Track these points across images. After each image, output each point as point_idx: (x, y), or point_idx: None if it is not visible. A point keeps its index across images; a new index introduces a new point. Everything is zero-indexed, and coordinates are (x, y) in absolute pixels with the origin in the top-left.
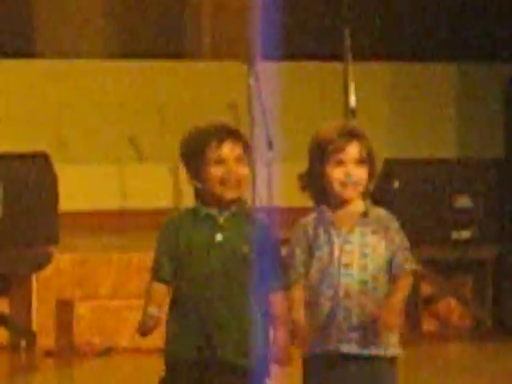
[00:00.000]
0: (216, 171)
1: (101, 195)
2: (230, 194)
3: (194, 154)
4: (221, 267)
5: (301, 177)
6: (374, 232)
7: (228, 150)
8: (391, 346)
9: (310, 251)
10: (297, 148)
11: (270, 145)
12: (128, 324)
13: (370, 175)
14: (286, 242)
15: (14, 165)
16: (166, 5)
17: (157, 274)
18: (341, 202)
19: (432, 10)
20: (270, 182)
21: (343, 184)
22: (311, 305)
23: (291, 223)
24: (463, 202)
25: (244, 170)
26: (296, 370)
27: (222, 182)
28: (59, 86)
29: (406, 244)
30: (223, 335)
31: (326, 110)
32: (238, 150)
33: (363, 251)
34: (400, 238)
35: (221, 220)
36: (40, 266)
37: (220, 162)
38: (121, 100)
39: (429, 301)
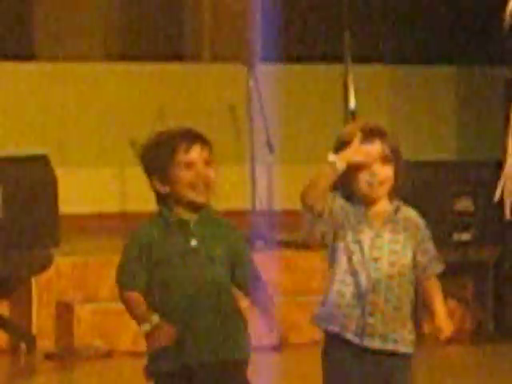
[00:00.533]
0: (185, 175)
1: (101, 198)
2: (201, 199)
3: (161, 157)
4: (198, 273)
5: (335, 191)
6: (404, 229)
7: (197, 153)
8: (409, 343)
9: (344, 218)
10: (297, 150)
11: (270, 147)
12: (128, 327)
13: (396, 173)
14: (287, 244)
15: (14, 167)
16: (165, 7)
17: (132, 283)
18: (370, 202)
19: (432, 12)
20: (270, 185)
21: (370, 184)
22: (338, 293)
23: (291, 226)
24: (464, 204)
25: (212, 173)
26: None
27: (192, 185)
28: (59, 89)
29: (433, 248)
30: (207, 339)
31: (326, 112)
32: (206, 154)
33: (393, 248)
34: (428, 238)
35: (192, 225)
36: (40, 268)
37: (189, 165)
38: (121, 102)
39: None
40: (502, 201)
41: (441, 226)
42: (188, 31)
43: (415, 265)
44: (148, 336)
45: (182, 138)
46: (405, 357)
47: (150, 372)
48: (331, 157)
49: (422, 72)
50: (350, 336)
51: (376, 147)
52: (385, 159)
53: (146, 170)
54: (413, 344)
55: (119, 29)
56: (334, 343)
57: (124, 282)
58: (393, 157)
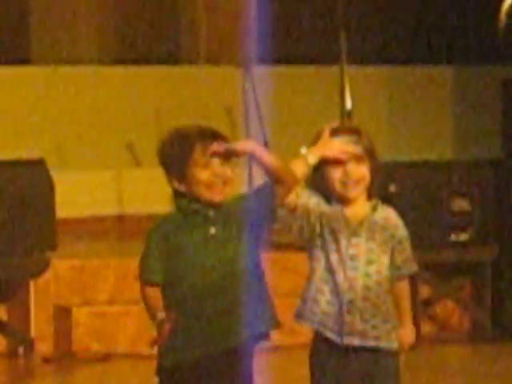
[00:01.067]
0: (202, 175)
1: (98, 201)
2: (217, 198)
3: (178, 156)
4: (217, 260)
5: (307, 180)
6: (382, 229)
7: None
8: (392, 339)
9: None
10: (293, 151)
11: (266, 148)
12: (126, 330)
13: (373, 171)
14: (282, 246)
15: (11, 171)
16: (161, 10)
17: (150, 279)
18: (346, 202)
19: (428, 13)
20: None
21: (344, 183)
22: (317, 290)
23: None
24: (461, 204)
25: (229, 171)
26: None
27: (208, 185)
28: (56, 93)
29: (409, 248)
30: (219, 326)
31: (322, 113)
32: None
33: (370, 246)
34: (405, 238)
35: (211, 214)
36: (38, 272)
37: (205, 165)
38: (117, 106)
39: (427, 303)
40: (499, 201)
41: (438, 226)
42: (184, 34)
43: (391, 263)
44: (157, 332)
45: (199, 137)
46: (389, 352)
47: (157, 370)
48: (303, 150)
49: (419, 72)
50: (329, 334)
51: (349, 147)
52: (359, 158)
53: (164, 167)
54: (396, 340)
55: (115, 32)
56: (317, 341)
57: (143, 278)
58: (368, 156)
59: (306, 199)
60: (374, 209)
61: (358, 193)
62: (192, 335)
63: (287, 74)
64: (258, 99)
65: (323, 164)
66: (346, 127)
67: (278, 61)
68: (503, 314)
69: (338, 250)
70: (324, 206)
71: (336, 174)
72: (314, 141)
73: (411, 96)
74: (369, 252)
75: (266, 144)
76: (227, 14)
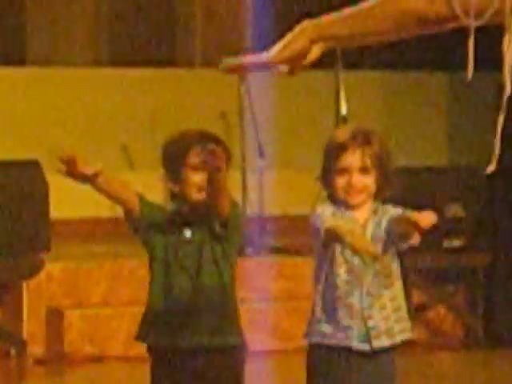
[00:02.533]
0: (196, 177)
1: (92, 203)
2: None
3: (175, 158)
4: (189, 266)
5: (318, 179)
6: (377, 224)
7: None
8: (396, 334)
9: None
10: (288, 156)
11: (262, 153)
12: (119, 332)
13: (380, 182)
14: (278, 250)
15: (5, 172)
16: (157, 13)
17: (142, 197)
18: (349, 207)
19: None
20: (261, 190)
21: (346, 192)
22: (328, 296)
23: (283, 231)
24: (454, 210)
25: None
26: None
27: (200, 188)
28: (50, 94)
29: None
30: (198, 324)
31: (317, 118)
32: None
33: (376, 248)
34: (395, 209)
35: (192, 217)
36: (31, 273)
37: (201, 168)
38: (112, 108)
39: (420, 309)
40: (492, 207)
41: (431, 232)
42: (180, 37)
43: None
44: None
45: (198, 140)
46: (389, 349)
47: (139, 336)
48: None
49: (413, 78)
50: (356, 344)
51: (355, 157)
52: (364, 169)
53: (163, 168)
54: (403, 331)
55: (110, 34)
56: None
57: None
58: (376, 164)
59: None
60: (375, 212)
61: (360, 200)
62: (163, 319)
63: (282, 78)
64: (253, 103)
65: (330, 170)
66: (358, 135)
67: None
68: (496, 320)
69: (351, 257)
70: (337, 214)
71: (340, 182)
72: (330, 151)
73: (406, 102)
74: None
75: (260, 148)
76: (223, 18)
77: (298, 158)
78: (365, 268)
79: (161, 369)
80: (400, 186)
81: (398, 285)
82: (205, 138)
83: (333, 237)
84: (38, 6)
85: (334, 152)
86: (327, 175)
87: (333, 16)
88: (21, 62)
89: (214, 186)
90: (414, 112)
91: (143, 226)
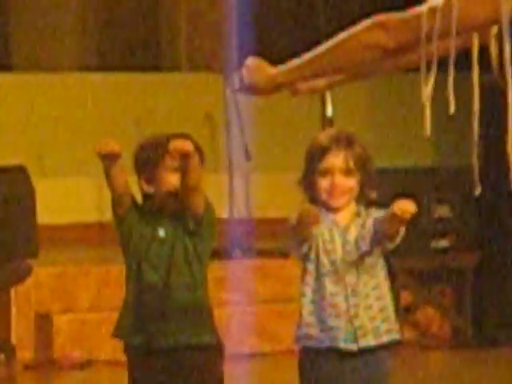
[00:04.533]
0: (171, 178)
1: (79, 208)
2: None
3: (151, 159)
4: (162, 263)
5: (298, 182)
6: (362, 226)
7: None
8: (382, 334)
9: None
10: (274, 158)
11: (247, 155)
12: (107, 337)
13: (362, 184)
14: (264, 252)
15: None
16: (141, 17)
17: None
18: (331, 210)
19: None
20: (247, 193)
21: (329, 193)
22: (316, 297)
23: (269, 234)
24: (442, 210)
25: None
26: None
27: (176, 189)
28: (36, 99)
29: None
30: (173, 322)
31: (303, 119)
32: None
33: (359, 245)
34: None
35: (165, 215)
36: (19, 279)
37: (175, 169)
38: (97, 112)
39: (408, 310)
40: (479, 207)
41: (419, 233)
42: (164, 41)
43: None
44: None
45: (171, 141)
46: (379, 348)
47: (115, 333)
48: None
49: (399, 79)
50: (343, 345)
51: (339, 158)
52: (347, 171)
53: (135, 169)
54: (390, 331)
55: (96, 39)
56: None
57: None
58: (359, 167)
59: None
60: (358, 214)
61: (342, 203)
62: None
63: None
64: (239, 106)
65: (313, 171)
66: (341, 138)
67: None
68: (484, 320)
69: (335, 260)
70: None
71: (323, 183)
72: (311, 155)
73: (392, 103)
74: (359, 250)
75: (246, 151)
76: (208, 21)
77: (285, 160)
78: (349, 268)
79: (136, 367)
80: (387, 187)
81: (385, 285)
82: (177, 137)
83: (304, 220)
84: (23, 11)
85: (317, 154)
86: (309, 178)
87: (298, 61)
88: (7, 67)
89: (187, 182)
90: (401, 113)
91: (126, 221)
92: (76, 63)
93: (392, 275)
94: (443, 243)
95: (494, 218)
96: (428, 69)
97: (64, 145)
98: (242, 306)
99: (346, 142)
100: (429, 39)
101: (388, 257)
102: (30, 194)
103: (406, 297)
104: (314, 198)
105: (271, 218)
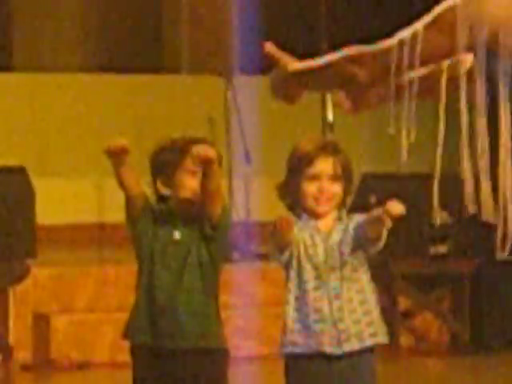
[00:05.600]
0: (192, 182)
1: (78, 209)
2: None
3: (171, 162)
4: (177, 267)
5: (278, 187)
6: (344, 231)
7: None
8: (366, 338)
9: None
10: (274, 162)
11: (248, 159)
12: (105, 338)
13: (346, 191)
14: (264, 256)
15: None
16: (143, 19)
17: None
18: (315, 215)
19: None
20: (247, 196)
21: (316, 199)
22: (300, 304)
23: (268, 237)
24: (440, 216)
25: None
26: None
27: (195, 192)
28: (37, 100)
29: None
30: (182, 324)
31: (304, 123)
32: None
33: (342, 250)
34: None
35: (181, 217)
36: (17, 279)
37: (194, 173)
38: (98, 114)
39: (406, 315)
40: (478, 214)
41: (418, 238)
42: (167, 43)
43: (355, 235)
44: None
45: (192, 144)
46: (364, 351)
47: (125, 333)
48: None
49: None
50: (328, 349)
51: (327, 164)
52: (335, 177)
53: (152, 170)
54: (375, 335)
55: (97, 41)
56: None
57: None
58: (344, 173)
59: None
60: (339, 219)
61: (328, 209)
62: (145, 318)
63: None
64: (240, 109)
65: (299, 177)
66: (327, 145)
67: (260, 71)
68: (481, 326)
69: (317, 264)
70: (299, 225)
71: (310, 188)
72: (294, 162)
73: None
74: (341, 256)
75: (247, 154)
76: (210, 24)
77: (285, 164)
78: (332, 272)
79: (141, 368)
80: (386, 193)
81: (369, 289)
82: (198, 142)
83: (278, 227)
84: (24, 12)
85: (304, 160)
86: (292, 184)
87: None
88: (7, 68)
89: (207, 187)
90: (399, 119)
91: (139, 224)
92: (77, 64)
93: (390, 280)
94: (442, 249)
95: (492, 224)
96: (399, 100)
97: (64, 146)
98: (240, 309)
99: (333, 149)
100: (399, 71)
101: (386, 262)
102: (30, 194)
103: (404, 302)
104: (294, 205)
105: (271, 222)
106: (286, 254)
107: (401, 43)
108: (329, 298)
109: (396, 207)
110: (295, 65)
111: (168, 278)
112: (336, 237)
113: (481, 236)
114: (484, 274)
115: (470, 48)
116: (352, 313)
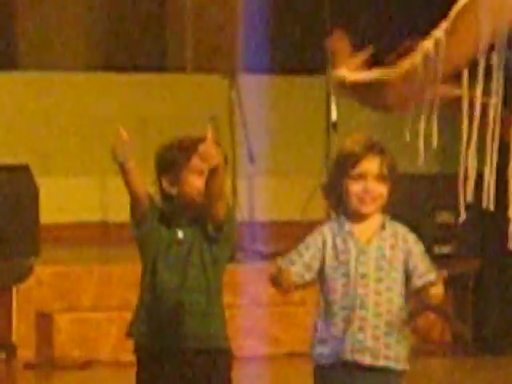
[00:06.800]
0: (198, 181)
1: (82, 208)
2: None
3: (177, 161)
4: (181, 268)
5: (323, 187)
6: (391, 246)
7: None
8: (402, 359)
9: (322, 259)
10: (278, 162)
11: (252, 158)
12: (108, 337)
13: (390, 192)
14: (269, 256)
15: None
16: (148, 18)
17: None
18: (358, 216)
19: (414, 24)
20: (251, 196)
21: (361, 199)
22: (327, 314)
23: (273, 237)
24: (444, 216)
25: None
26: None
27: (201, 192)
28: (41, 99)
29: (425, 254)
30: (187, 325)
31: (308, 123)
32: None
33: (379, 264)
34: (419, 249)
35: (187, 216)
36: (20, 278)
37: (201, 172)
38: (102, 113)
39: (409, 315)
40: (482, 213)
41: (421, 238)
42: (171, 41)
43: (407, 277)
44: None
45: (198, 144)
46: (397, 372)
47: (129, 333)
48: None
49: None
50: (341, 353)
51: (373, 164)
52: (381, 177)
53: (158, 169)
54: (406, 359)
55: (102, 39)
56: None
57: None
58: (390, 174)
59: (300, 268)
60: (383, 227)
61: (372, 210)
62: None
63: (273, 83)
64: (244, 108)
65: (344, 177)
66: (374, 144)
67: (264, 70)
68: (485, 327)
69: (347, 271)
70: (326, 236)
71: (355, 188)
72: (340, 161)
73: None
74: (378, 269)
75: (251, 154)
76: (215, 23)
77: (289, 163)
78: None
79: (145, 368)
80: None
81: (398, 304)
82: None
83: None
84: (29, 10)
85: (350, 159)
86: (336, 183)
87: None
88: (12, 66)
89: (212, 188)
90: (404, 118)
91: (144, 225)
92: (82, 63)
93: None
94: (445, 249)
95: (496, 225)
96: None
97: (67, 144)
98: (244, 310)
99: (379, 148)
100: (428, 84)
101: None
102: (34, 192)
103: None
104: (338, 205)
105: (274, 221)
106: (308, 275)
107: (425, 57)
108: (353, 305)
109: (438, 295)
110: (353, 76)
111: (171, 277)
112: (374, 247)
113: (484, 236)
114: (487, 275)
115: (493, 39)
116: (375, 328)
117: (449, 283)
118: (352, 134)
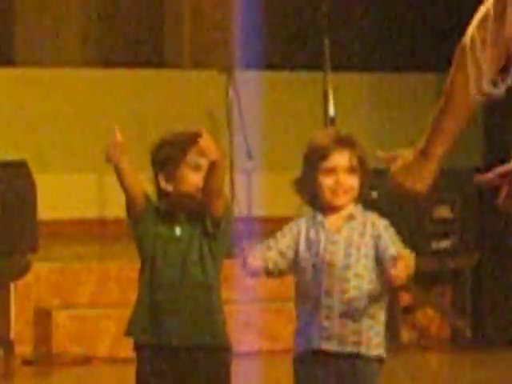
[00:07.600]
0: (194, 177)
1: (80, 204)
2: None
3: (174, 157)
4: (179, 264)
5: (295, 182)
6: (360, 234)
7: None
8: (374, 345)
9: (296, 249)
10: (276, 157)
11: (250, 154)
12: (106, 333)
13: (362, 184)
14: None
15: None
16: (145, 14)
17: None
18: (331, 208)
19: (412, 20)
20: (249, 192)
21: (334, 192)
22: (300, 305)
23: (270, 232)
24: (442, 212)
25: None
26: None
27: (198, 188)
28: (38, 95)
29: (397, 239)
30: (187, 322)
31: (306, 119)
32: None
33: (347, 251)
34: (389, 233)
35: (183, 215)
36: (18, 274)
37: (198, 168)
38: (100, 109)
39: (408, 311)
40: (480, 208)
41: (419, 233)
42: (168, 38)
43: (377, 261)
44: None
45: (195, 139)
46: (368, 358)
47: (128, 331)
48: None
49: (402, 79)
50: (309, 341)
51: (344, 157)
52: (351, 169)
53: (154, 166)
54: (379, 346)
55: (99, 35)
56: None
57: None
58: (360, 167)
59: (278, 257)
60: (355, 212)
61: (345, 201)
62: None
63: (271, 79)
64: (241, 104)
65: (315, 171)
66: (344, 137)
67: (261, 66)
68: (483, 321)
69: (316, 261)
70: (300, 226)
71: (327, 182)
72: (310, 155)
73: (394, 103)
74: (346, 257)
75: (248, 150)
76: (212, 19)
77: (286, 159)
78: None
79: (145, 365)
80: (387, 188)
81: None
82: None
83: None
84: (26, 6)
85: (319, 153)
86: (309, 178)
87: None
88: (9, 62)
89: (211, 184)
90: (402, 113)
91: (140, 225)
92: (79, 59)
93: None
94: (444, 244)
95: (494, 219)
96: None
97: (65, 140)
98: (242, 305)
99: (348, 141)
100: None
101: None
102: (31, 189)
103: (405, 298)
104: (312, 198)
105: (272, 217)
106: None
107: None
108: (319, 293)
109: (399, 279)
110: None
111: (170, 274)
112: (344, 234)
113: (482, 231)
114: (485, 270)
115: None
116: (343, 315)
117: (447, 278)
118: (321, 129)
